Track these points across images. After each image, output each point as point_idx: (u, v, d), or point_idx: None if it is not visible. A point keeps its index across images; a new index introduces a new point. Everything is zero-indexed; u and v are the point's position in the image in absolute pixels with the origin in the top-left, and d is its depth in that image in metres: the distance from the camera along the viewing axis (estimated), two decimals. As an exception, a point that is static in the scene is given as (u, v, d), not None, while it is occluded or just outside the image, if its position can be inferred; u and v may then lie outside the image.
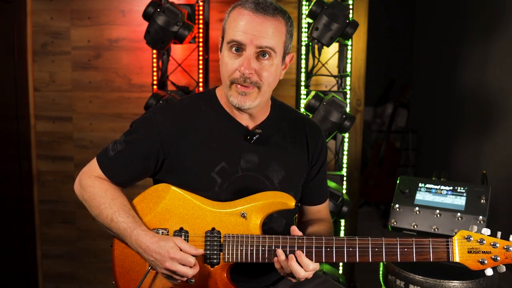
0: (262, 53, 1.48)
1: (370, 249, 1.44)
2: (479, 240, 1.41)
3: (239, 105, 1.52)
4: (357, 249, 1.45)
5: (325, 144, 1.76)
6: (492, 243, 1.40)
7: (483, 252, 1.40)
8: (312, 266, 1.45)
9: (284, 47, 1.54)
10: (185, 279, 1.47)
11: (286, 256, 1.45)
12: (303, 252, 1.45)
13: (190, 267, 1.45)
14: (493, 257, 1.40)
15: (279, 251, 1.45)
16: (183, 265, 1.44)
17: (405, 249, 1.43)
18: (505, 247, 1.40)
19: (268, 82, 1.52)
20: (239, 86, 1.50)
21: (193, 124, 1.60)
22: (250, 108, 1.53)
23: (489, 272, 1.41)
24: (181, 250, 1.45)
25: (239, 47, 1.48)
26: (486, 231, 1.42)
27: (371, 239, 1.45)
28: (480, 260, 1.40)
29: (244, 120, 1.62)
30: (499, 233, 1.43)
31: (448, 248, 1.42)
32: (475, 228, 1.44)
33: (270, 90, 1.57)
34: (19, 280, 3.20)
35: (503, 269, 1.41)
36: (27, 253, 3.25)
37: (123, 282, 1.57)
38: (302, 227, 1.73)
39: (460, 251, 1.41)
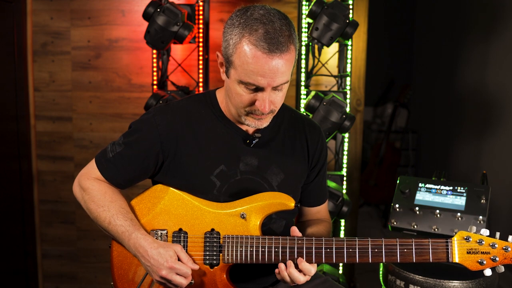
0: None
1: (370, 250, 1.44)
2: (478, 241, 1.42)
3: (256, 127, 1.54)
4: (357, 250, 1.45)
5: (325, 145, 1.75)
6: (491, 244, 1.41)
7: (482, 253, 1.41)
8: (313, 271, 1.45)
9: (294, 65, 1.50)
10: None
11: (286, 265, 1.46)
12: (303, 254, 1.46)
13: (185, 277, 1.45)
14: (492, 257, 1.41)
15: (281, 265, 1.45)
16: (179, 275, 1.44)
17: (405, 250, 1.44)
18: (503, 247, 1.41)
19: (280, 105, 1.53)
20: (255, 115, 1.50)
21: (193, 126, 1.59)
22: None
23: (488, 272, 1.42)
24: (179, 259, 1.45)
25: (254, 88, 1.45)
26: (485, 232, 1.43)
27: (371, 240, 1.45)
28: (479, 260, 1.41)
29: (244, 125, 1.61)
30: (497, 234, 1.44)
31: (448, 248, 1.42)
32: (474, 228, 1.45)
33: None
34: (19, 280, 3.20)
35: (501, 269, 1.41)
36: (27, 253, 3.25)
37: (121, 283, 1.57)
38: (301, 227, 1.72)
39: (459, 252, 1.42)
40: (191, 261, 1.47)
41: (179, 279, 1.44)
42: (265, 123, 1.54)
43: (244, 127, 1.61)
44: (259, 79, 1.41)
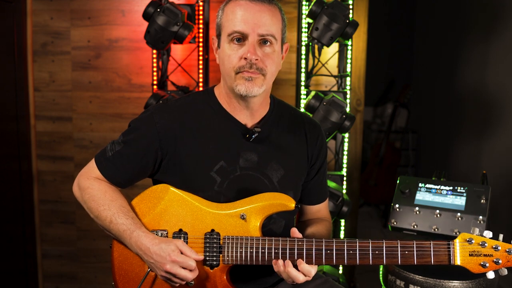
0: (263, 40, 1.51)
1: (370, 252, 1.44)
2: (480, 243, 1.39)
3: (247, 92, 1.51)
4: (357, 252, 1.44)
5: (324, 143, 1.75)
6: (494, 246, 1.39)
7: (485, 255, 1.39)
8: (313, 272, 1.45)
9: (282, 34, 1.57)
10: (184, 282, 1.46)
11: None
12: (303, 256, 1.45)
13: (190, 270, 1.45)
14: (494, 260, 1.38)
15: (279, 262, 1.45)
16: (183, 268, 1.44)
17: (406, 252, 1.43)
18: (507, 250, 1.38)
19: (271, 70, 1.54)
20: (245, 72, 1.50)
21: (192, 123, 1.60)
22: (256, 95, 1.53)
23: (490, 275, 1.40)
24: (182, 253, 1.45)
25: (240, 37, 1.50)
26: (488, 234, 1.40)
27: (372, 242, 1.44)
28: (482, 263, 1.39)
29: (243, 118, 1.61)
30: (501, 236, 1.41)
31: (449, 251, 1.40)
32: (477, 230, 1.42)
33: (273, 79, 1.59)
34: (19, 280, 3.20)
35: (505, 272, 1.39)
36: (27, 253, 3.25)
37: (122, 283, 1.57)
38: (302, 226, 1.72)
39: (461, 254, 1.40)
40: (194, 253, 1.46)
41: (183, 272, 1.43)
42: (255, 86, 1.51)
43: (243, 120, 1.61)
44: (242, 24, 1.48)
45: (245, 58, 1.49)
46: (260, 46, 1.51)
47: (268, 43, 1.51)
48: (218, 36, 1.57)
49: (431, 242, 1.42)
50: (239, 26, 1.49)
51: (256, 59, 1.49)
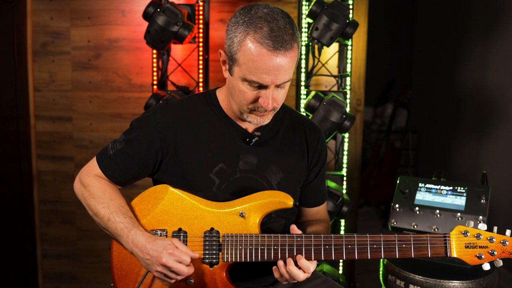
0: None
1: (368, 246, 1.45)
2: (476, 235, 1.43)
3: (258, 124, 1.55)
4: (355, 246, 1.45)
5: (324, 146, 1.75)
6: (488, 238, 1.42)
7: (480, 247, 1.42)
8: (312, 268, 1.45)
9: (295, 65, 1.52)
10: (179, 277, 1.45)
11: (285, 263, 1.45)
12: (302, 252, 1.46)
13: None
14: (490, 251, 1.41)
15: (280, 262, 1.45)
16: (179, 263, 1.43)
17: (403, 245, 1.44)
18: (501, 241, 1.42)
19: (282, 102, 1.54)
20: (258, 112, 1.51)
21: (192, 124, 1.60)
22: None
23: (486, 266, 1.43)
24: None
25: (257, 85, 1.45)
26: (483, 226, 1.44)
27: (370, 236, 1.46)
28: (478, 254, 1.42)
29: (244, 123, 1.62)
30: (495, 228, 1.45)
31: (446, 243, 1.43)
32: (472, 223, 1.45)
33: None
34: (19, 280, 3.20)
35: (500, 263, 1.42)
36: (27, 253, 3.25)
37: (121, 284, 1.57)
38: (300, 227, 1.73)
39: (457, 246, 1.43)
40: (189, 250, 1.46)
41: (179, 266, 1.42)
42: (266, 120, 1.55)
43: (244, 125, 1.62)
44: (264, 76, 1.42)
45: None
46: (275, 89, 1.47)
47: (284, 85, 1.48)
48: (230, 60, 1.48)
49: (428, 235, 1.44)
50: (258, 77, 1.42)
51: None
